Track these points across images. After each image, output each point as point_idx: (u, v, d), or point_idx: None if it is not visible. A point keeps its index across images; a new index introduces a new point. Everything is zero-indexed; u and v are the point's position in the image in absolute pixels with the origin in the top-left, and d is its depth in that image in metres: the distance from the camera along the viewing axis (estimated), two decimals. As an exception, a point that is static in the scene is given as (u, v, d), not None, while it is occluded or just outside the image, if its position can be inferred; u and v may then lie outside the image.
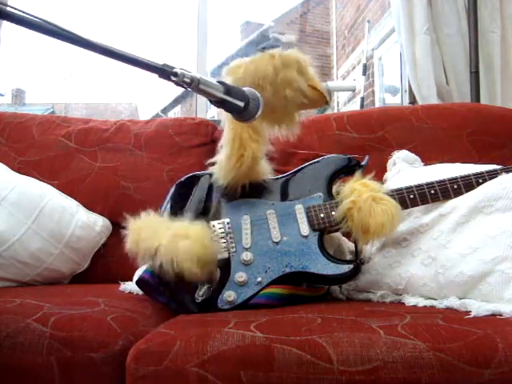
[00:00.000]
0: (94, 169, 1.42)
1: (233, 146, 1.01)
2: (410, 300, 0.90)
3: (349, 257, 1.08)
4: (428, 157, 1.17)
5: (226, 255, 0.95)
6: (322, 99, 1.04)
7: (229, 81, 0.98)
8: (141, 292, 1.03)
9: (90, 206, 1.37)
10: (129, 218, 0.97)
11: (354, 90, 4.91)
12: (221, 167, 1.04)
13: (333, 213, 0.97)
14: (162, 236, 0.92)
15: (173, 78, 0.76)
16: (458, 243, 0.88)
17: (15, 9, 0.64)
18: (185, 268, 0.88)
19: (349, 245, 1.11)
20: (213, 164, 1.08)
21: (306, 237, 0.96)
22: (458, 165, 1.08)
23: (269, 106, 0.95)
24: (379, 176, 1.06)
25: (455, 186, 0.96)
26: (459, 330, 0.67)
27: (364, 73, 4.38)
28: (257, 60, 0.99)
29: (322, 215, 0.97)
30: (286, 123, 1.03)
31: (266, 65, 0.97)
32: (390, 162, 1.17)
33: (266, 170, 1.08)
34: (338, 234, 1.08)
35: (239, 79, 0.97)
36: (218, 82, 0.82)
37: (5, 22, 0.69)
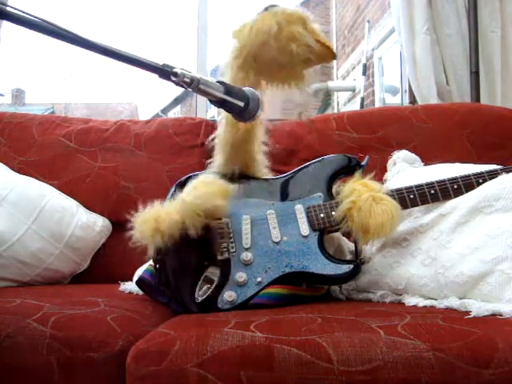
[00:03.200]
0: (94, 169, 1.42)
1: (228, 121, 1.04)
2: (410, 300, 0.90)
3: (349, 257, 1.08)
4: (428, 157, 1.17)
5: (226, 255, 0.95)
6: (329, 54, 1.05)
7: (235, 43, 1.02)
8: (141, 292, 1.04)
9: (89, 206, 1.37)
10: (132, 215, 0.97)
11: (353, 90, 4.92)
12: (219, 142, 1.08)
13: (333, 213, 0.97)
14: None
15: (173, 78, 0.76)
16: (458, 243, 0.88)
17: (15, 9, 0.64)
18: (209, 207, 0.92)
19: (349, 245, 1.11)
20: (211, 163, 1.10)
21: (306, 237, 0.96)
22: (457, 165, 1.08)
23: (275, 62, 1.01)
24: (379, 176, 1.06)
25: (455, 186, 0.96)
26: (459, 330, 0.67)
27: (364, 73, 4.38)
28: (260, 18, 1.01)
29: (322, 215, 0.97)
30: (294, 80, 1.05)
31: (271, 21, 0.99)
32: (389, 162, 1.17)
33: (261, 167, 1.10)
34: (338, 234, 1.08)
35: (246, 39, 1.00)
36: (218, 82, 0.82)
37: (5, 22, 0.69)
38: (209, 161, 1.13)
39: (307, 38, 0.99)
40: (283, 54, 0.99)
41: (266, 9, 1.02)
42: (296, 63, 1.01)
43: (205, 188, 0.96)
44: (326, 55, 1.05)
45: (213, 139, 1.12)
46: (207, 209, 0.93)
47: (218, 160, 1.09)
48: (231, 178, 1.05)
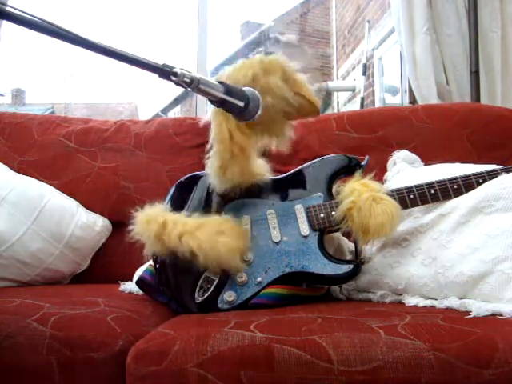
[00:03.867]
0: (94, 169, 1.42)
1: (222, 154, 0.97)
2: (410, 300, 0.89)
3: (349, 257, 1.08)
4: (428, 157, 1.17)
5: (226, 255, 0.95)
6: (312, 109, 1.00)
7: None
8: (141, 292, 1.04)
9: (89, 206, 1.37)
10: (133, 213, 0.96)
11: (353, 90, 4.92)
12: (215, 176, 1.00)
13: (333, 213, 0.97)
14: (192, 232, 0.90)
15: (173, 78, 0.76)
16: (458, 243, 0.88)
17: (15, 9, 0.64)
18: (231, 266, 0.89)
19: (349, 245, 1.11)
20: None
21: (306, 237, 0.96)
22: (457, 165, 1.08)
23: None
24: (379, 176, 1.06)
25: (455, 186, 0.96)
26: (459, 330, 0.67)
27: (364, 73, 4.38)
28: (239, 67, 0.96)
29: (322, 215, 0.97)
30: (275, 134, 1.00)
31: (247, 71, 0.94)
32: (389, 162, 1.17)
33: (262, 170, 1.06)
34: (338, 234, 1.08)
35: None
36: (218, 82, 0.82)
37: (5, 22, 0.69)
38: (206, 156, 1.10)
39: (284, 90, 0.94)
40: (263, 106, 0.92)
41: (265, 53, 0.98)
42: (274, 116, 0.95)
43: (233, 239, 0.91)
44: (309, 110, 1.00)
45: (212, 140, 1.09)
46: (228, 266, 0.90)
47: (215, 161, 1.02)
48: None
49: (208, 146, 1.04)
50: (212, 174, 1.01)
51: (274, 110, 0.95)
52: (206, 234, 0.90)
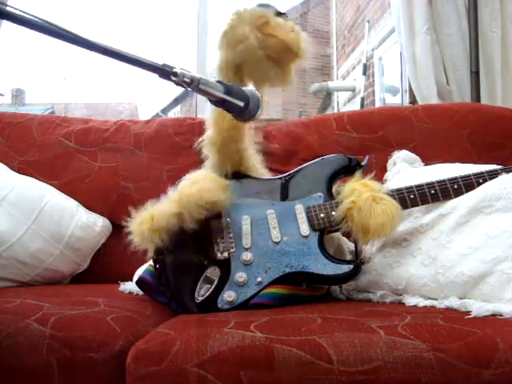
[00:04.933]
0: (93, 169, 1.42)
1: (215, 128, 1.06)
2: (410, 300, 0.89)
3: (349, 257, 1.08)
4: (428, 157, 1.17)
5: (226, 255, 0.95)
6: (286, 48, 1.02)
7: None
8: (141, 292, 1.04)
9: (89, 206, 1.37)
10: (130, 215, 0.98)
11: (353, 90, 4.92)
12: (206, 142, 1.10)
13: (333, 213, 0.97)
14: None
15: (173, 78, 0.76)
16: (458, 243, 0.87)
17: (15, 8, 0.64)
18: (212, 201, 0.93)
19: (349, 245, 1.11)
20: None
21: (306, 237, 0.96)
22: (458, 165, 1.08)
23: (237, 63, 1.03)
24: (379, 176, 1.06)
25: (455, 186, 0.96)
26: (459, 330, 0.67)
27: (364, 73, 4.38)
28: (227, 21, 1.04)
29: (322, 215, 0.97)
30: (272, 80, 1.05)
31: (224, 25, 1.03)
32: (390, 162, 1.17)
33: (258, 166, 1.11)
34: (338, 234, 1.08)
35: (218, 45, 1.05)
36: (218, 81, 0.82)
37: (5, 22, 0.69)
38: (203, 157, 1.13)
39: (249, 34, 1.00)
40: (237, 55, 1.01)
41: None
42: (258, 62, 1.02)
43: (206, 182, 0.96)
44: (283, 49, 1.02)
45: (201, 141, 1.13)
46: (208, 202, 0.93)
47: (209, 162, 1.10)
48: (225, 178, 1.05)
49: None
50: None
51: (250, 56, 1.01)
52: (183, 188, 0.96)
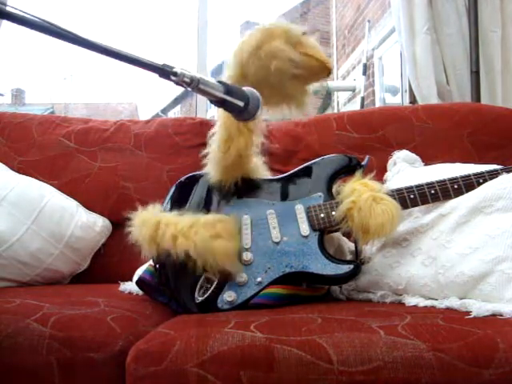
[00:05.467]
0: (93, 169, 1.42)
1: (221, 139, 1.01)
2: (410, 300, 0.89)
3: (349, 257, 1.08)
4: (428, 157, 1.17)
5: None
6: (322, 67, 0.99)
7: (230, 62, 0.99)
8: (141, 292, 1.04)
9: (89, 206, 1.37)
10: (131, 215, 0.97)
11: (354, 90, 4.92)
12: (211, 159, 1.04)
13: (333, 213, 0.97)
14: (187, 232, 0.90)
15: (173, 78, 0.76)
16: (458, 243, 0.87)
17: (15, 8, 0.64)
18: (230, 268, 0.90)
19: (349, 245, 1.11)
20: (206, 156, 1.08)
21: (306, 237, 0.96)
22: (458, 165, 1.08)
23: (262, 81, 0.96)
24: (379, 176, 1.06)
25: (455, 186, 0.95)
26: (459, 330, 0.67)
27: (364, 73, 4.38)
28: (246, 38, 0.98)
29: (322, 215, 0.97)
30: (291, 100, 1.01)
31: (251, 40, 0.96)
32: (390, 162, 1.17)
33: (259, 167, 1.08)
34: (338, 234, 1.08)
35: (234, 61, 0.98)
36: (218, 81, 0.82)
37: (5, 22, 0.69)
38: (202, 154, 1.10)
39: (288, 52, 0.95)
40: (265, 72, 0.95)
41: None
42: (284, 80, 0.97)
43: (230, 242, 0.91)
44: (319, 69, 0.99)
45: (212, 134, 1.08)
46: (225, 268, 0.90)
47: (211, 174, 1.05)
48: (228, 187, 1.04)
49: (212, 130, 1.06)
50: (215, 150, 1.02)
51: (282, 74, 0.96)
52: (201, 236, 0.90)
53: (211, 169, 1.05)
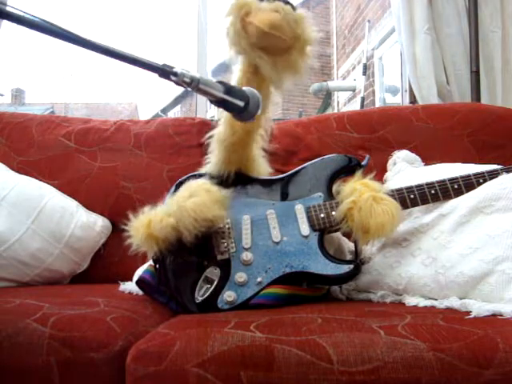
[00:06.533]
0: (93, 169, 1.42)
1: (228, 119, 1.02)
2: (410, 300, 0.89)
3: (349, 257, 1.08)
4: (428, 157, 1.17)
5: (226, 255, 0.95)
6: (265, 35, 0.92)
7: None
8: (141, 292, 1.03)
9: (89, 206, 1.37)
10: (130, 217, 0.97)
11: (354, 90, 4.92)
12: (216, 140, 1.06)
13: (333, 213, 0.97)
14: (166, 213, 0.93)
15: (173, 78, 0.76)
16: (458, 243, 0.87)
17: (15, 8, 0.64)
18: (209, 218, 0.92)
19: (349, 245, 1.11)
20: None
21: (306, 237, 0.96)
22: (458, 165, 1.08)
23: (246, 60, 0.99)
24: (379, 176, 1.06)
25: (456, 186, 0.95)
26: (459, 330, 0.67)
27: (364, 73, 4.38)
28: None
29: (322, 215, 0.97)
30: (269, 71, 0.98)
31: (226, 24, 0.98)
32: (390, 162, 1.17)
33: (260, 159, 1.09)
34: (338, 234, 1.08)
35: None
36: (218, 81, 0.82)
37: (4, 22, 0.69)
38: (205, 157, 1.12)
39: (236, 25, 0.95)
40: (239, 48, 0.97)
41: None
42: (249, 55, 0.97)
43: (204, 196, 0.94)
44: (266, 36, 0.92)
45: (210, 137, 1.10)
46: (206, 218, 0.92)
47: (212, 159, 1.08)
48: (226, 178, 1.04)
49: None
50: (221, 130, 1.04)
51: (243, 50, 0.97)
52: (176, 203, 0.93)
53: (214, 151, 1.06)
